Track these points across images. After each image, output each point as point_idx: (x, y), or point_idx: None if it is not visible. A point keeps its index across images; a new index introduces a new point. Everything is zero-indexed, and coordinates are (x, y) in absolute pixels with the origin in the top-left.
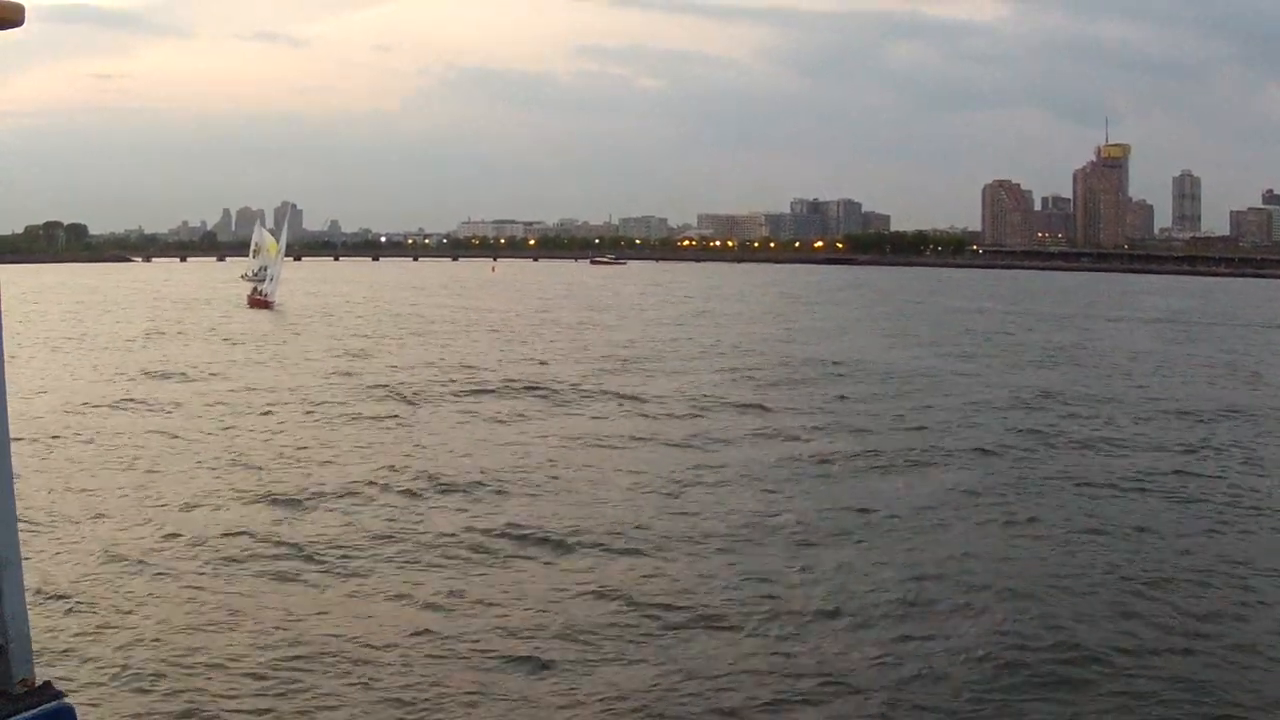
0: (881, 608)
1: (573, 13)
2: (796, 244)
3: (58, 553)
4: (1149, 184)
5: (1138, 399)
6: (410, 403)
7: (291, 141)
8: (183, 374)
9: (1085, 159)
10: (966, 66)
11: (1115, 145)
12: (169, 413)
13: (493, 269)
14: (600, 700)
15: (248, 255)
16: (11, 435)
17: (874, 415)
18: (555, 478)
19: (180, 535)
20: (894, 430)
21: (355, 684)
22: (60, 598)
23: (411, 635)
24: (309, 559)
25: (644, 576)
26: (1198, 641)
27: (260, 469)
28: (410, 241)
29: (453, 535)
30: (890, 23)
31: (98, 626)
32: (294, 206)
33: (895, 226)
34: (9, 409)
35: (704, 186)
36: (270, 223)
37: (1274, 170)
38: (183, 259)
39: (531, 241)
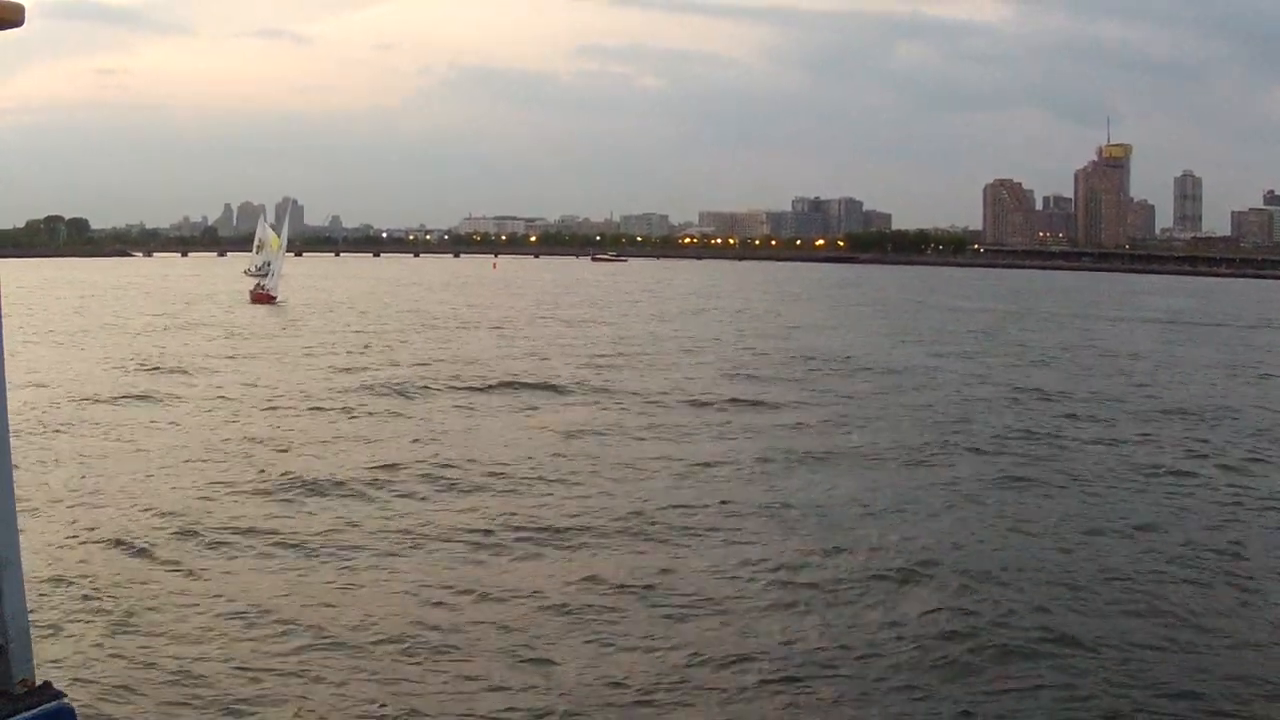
0: (872, 591)
1: (573, 12)
2: (798, 242)
3: (60, 545)
4: (1150, 184)
5: (1135, 397)
6: (410, 397)
7: (293, 138)
8: (184, 369)
9: (1086, 159)
10: (968, 66)
11: (1117, 145)
12: (171, 407)
13: (494, 266)
14: (600, 685)
15: (248, 251)
16: (13, 428)
17: (870, 408)
18: (556, 469)
19: (180, 529)
20: (887, 424)
21: (356, 677)
22: (59, 589)
23: (415, 625)
24: (309, 551)
25: (642, 564)
26: (1199, 635)
27: (262, 461)
28: (411, 238)
29: (455, 526)
30: (892, 22)
31: (94, 619)
32: (295, 202)
33: (896, 225)
34: (9, 409)
35: (705, 185)
36: (271, 218)
37: (1275, 171)
38: (184, 254)
39: (533, 238)
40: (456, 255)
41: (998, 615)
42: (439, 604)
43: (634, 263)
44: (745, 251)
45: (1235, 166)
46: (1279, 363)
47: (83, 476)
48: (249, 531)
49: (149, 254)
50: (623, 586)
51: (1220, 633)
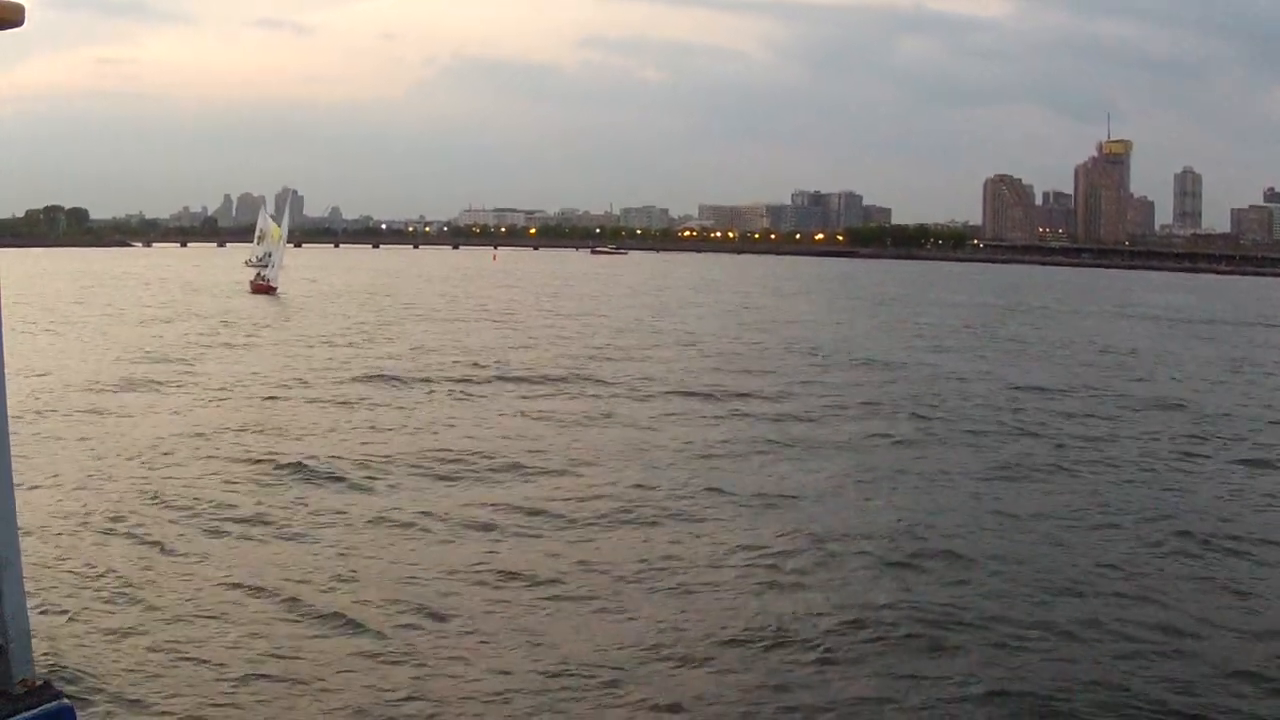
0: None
1: (577, 4)
2: (797, 236)
3: (59, 532)
4: (1150, 180)
5: (1122, 388)
6: (409, 386)
7: (294, 128)
8: (184, 359)
9: (1087, 155)
10: (970, 62)
11: (1117, 141)
12: (170, 395)
13: (494, 258)
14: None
15: (249, 241)
16: (16, 418)
17: (858, 397)
18: (551, 456)
19: (179, 522)
20: (874, 413)
21: (357, 657)
22: (58, 585)
23: (421, 611)
24: (310, 543)
25: (635, 545)
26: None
27: (261, 448)
28: (411, 229)
29: (457, 513)
30: (895, 17)
31: (94, 617)
32: (295, 193)
33: (896, 220)
34: (9, 409)
35: (706, 178)
36: (271, 209)
37: (1275, 168)
38: (183, 244)
39: (532, 231)
40: (456, 247)
41: (981, 595)
42: (438, 583)
43: (633, 255)
44: (744, 245)
45: (1235, 164)
46: (1264, 356)
47: (81, 465)
48: (247, 516)
49: (148, 244)
50: (615, 565)
51: (1212, 623)
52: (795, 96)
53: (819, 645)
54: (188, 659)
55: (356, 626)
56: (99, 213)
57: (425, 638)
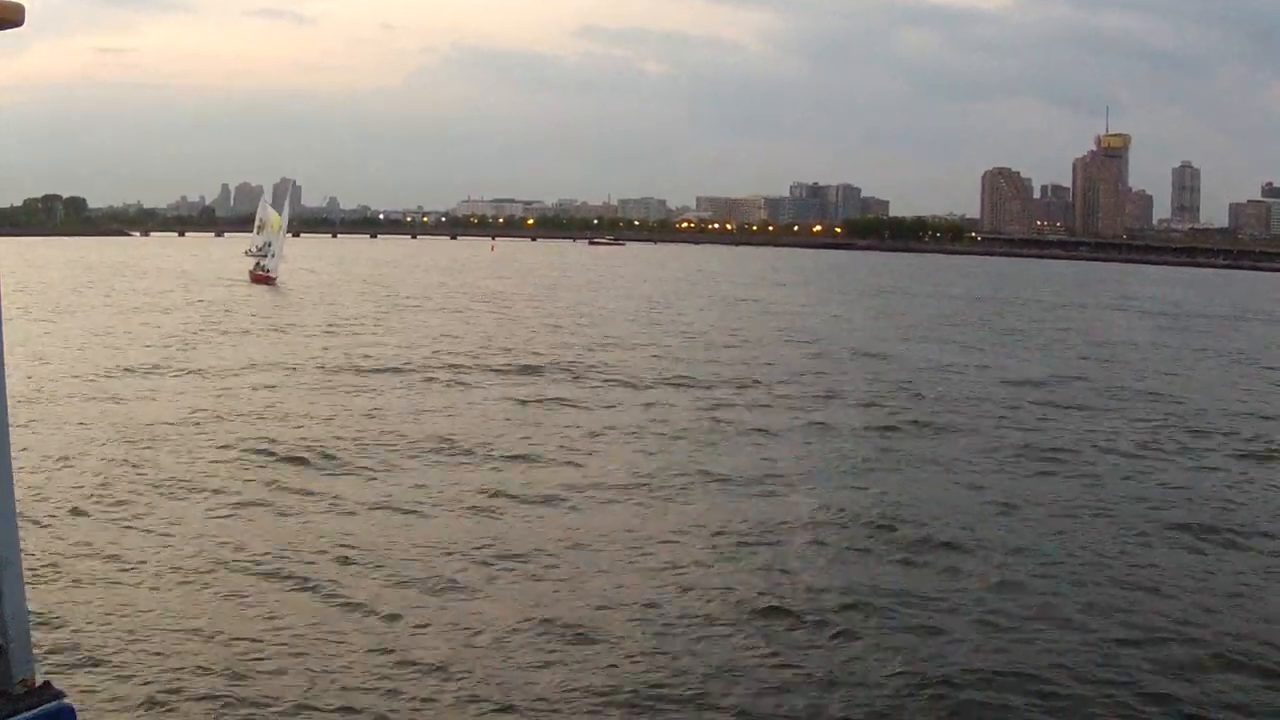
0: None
1: None
2: (795, 228)
3: (59, 522)
4: (1148, 175)
5: (1112, 380)
6: (405, 375)
7: (293, 118)
8: (182, 348)
9: (1085, 148)
10: (970, 55)
11: (1115, 135)
12: (167, 381)
13: (491, 248)
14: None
15: (246, 231)
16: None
17: (847, 385)
18: (542, 442)
19: (179, 515)
20: (861, 403)
21: (355, 633)
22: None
23: (415, 578)
24: (306, 535)
25: (630, 522)
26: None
27: (256, 435)
28: (409, 220)
29: (462, 501)
30: (895, 9)
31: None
32: (293, 183)
33: (894, 212)
34: (8, 409)
35: (704, 170)
36: (269, 199)
37: (1273, 163)
38: (181, 234)
39: (530, 221)
40: (454, 238)
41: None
42: (437, 557)
43: (631, 246)
44: (742, 237)
45: (1234, 159)
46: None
47: (83, 456)
48: (240, 494)
49: (146, 233)
50: (607, 535)
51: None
52: (794, 88)
53: (808, 617)
54: (177, 630)
55: (352, 601)
56: (97, 202)
57: (426, 603)
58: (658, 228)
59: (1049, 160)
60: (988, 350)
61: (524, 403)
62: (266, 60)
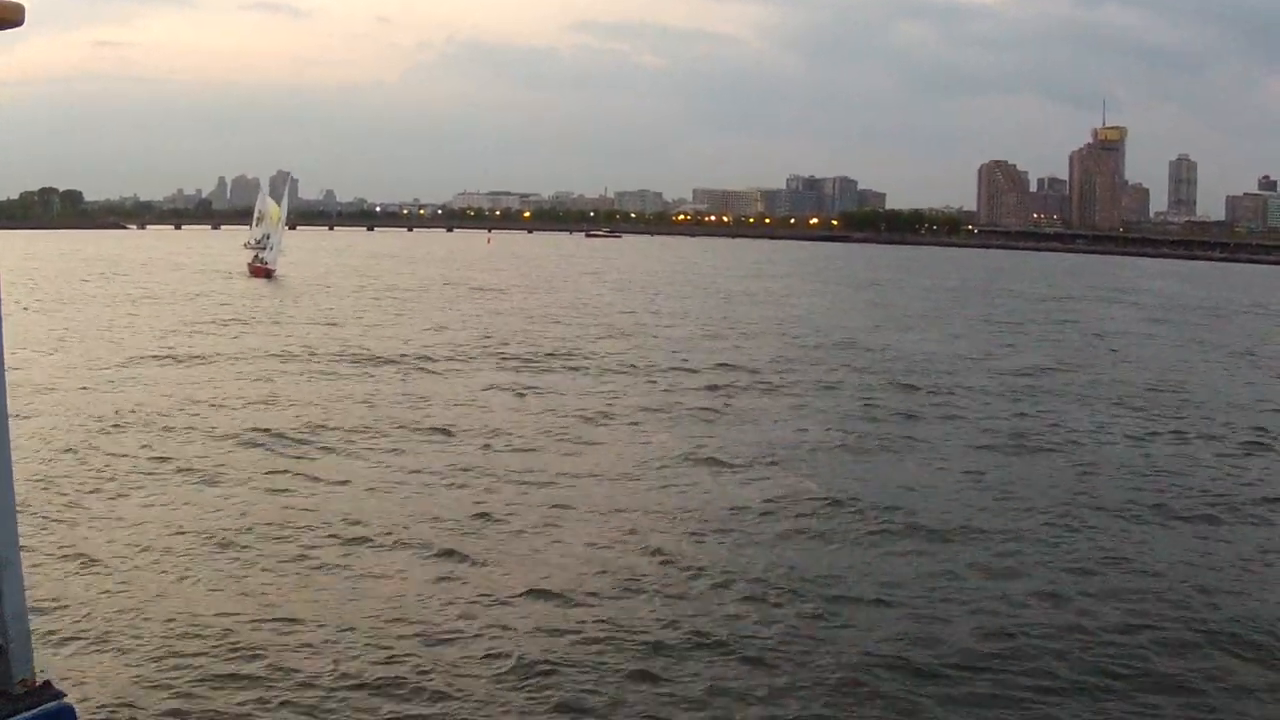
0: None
1: None
2: (791, 220)
3: (60, 518)
4: (1145, 168)
5: (1103, 374)
6: (410, 370)
7: (290, 111)
8: (181, 339)
9: (1082, 142)
10: (967, 49)
11: (1112, 128)
12: (167, 370)
13: (488, 241)
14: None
15: (243, 224)
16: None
17: (838, 376)
18: (536, 424)
19: (178, 510)
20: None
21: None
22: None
23: (416, 543)
24: (304, 530)
25: (622, 498)
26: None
27: (263, 425)
28: (405, 212)
29: (465, 488)
30: (892, 4)
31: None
32: (290, 176)
33: (891, 205)
34: (8, 409)
35: (701, 163)
36: (266, 192)
37: (1270, 156)
38: (177, 227)
39: (526, 214)
40: (450, 230)
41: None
42: (435, 530)
43: (627, 239)
44: (739, 229)
45: (1230, 152)
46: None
47: (82, 451)
48: (248, 508)
49: (142, 226)
50: (597, 510)
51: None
52: (791, 82)
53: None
54: (175, 597)
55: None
56: (93, 195)
57: (424, 569)
58: (654, 220)
59: (1045, 153)
60: (981, 340)
61: (516, 390)
62: (263, 54)
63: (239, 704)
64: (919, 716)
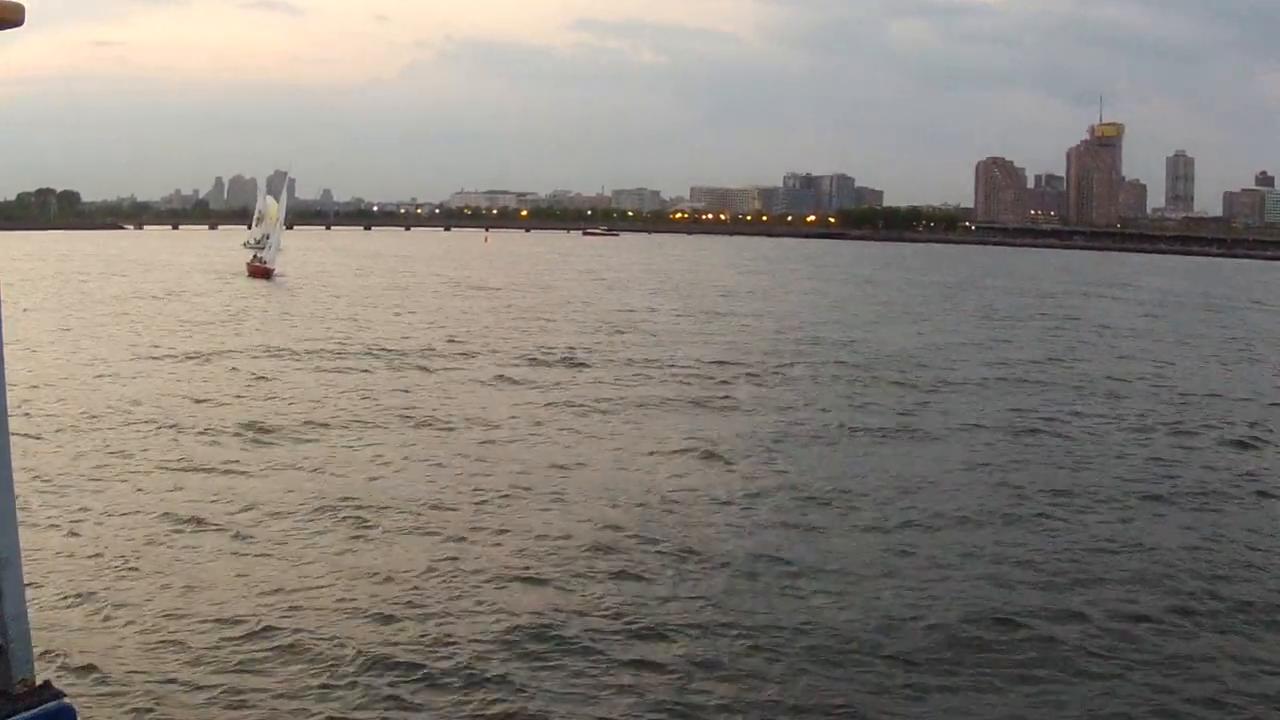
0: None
1: None
2: (789, 218)
3: (58, 517)
4: (1142, 164)
5: (1098, 369)
6: (408, 365)
7: (287, 111)
8: (185, 338)
9: (1079, 138)
10: (964, 45)
11: (1109, 124)
12: (167, 366)
13: (485, 240)
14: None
15: (240, 224)
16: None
17: (839, 371)
18: (525, 421)
19: (178, 507)
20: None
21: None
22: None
23: (415, 508)
24: (304, 531)
25: (614, 482)
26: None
27: (261, 418)
28: (403, 212)
29: (467, 484)
30: (890, 1)
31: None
32: (287, 176)
33: (888, 202)
34: (8, 408)
35: (698, 161)
36: (263, 191)
37: (1267, 152)
38: (175, 227)
39: (524, 213)
40: (447, 229)
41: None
42: (433, 511)
43: (625, 237)
44: (736, 227)
45: (1228, 148)
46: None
47: (83, 447)
48: (244, 469)
49: (139, 227)
50: (588, 492)
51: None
52: (789, 79)
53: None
54: (169, 573)
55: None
56: (90, 195)
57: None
58: (652, 218)
59: (1043, 150)
60: (978, 334)
61: (513, 384)
62: (260, 53)
63: (239, 691)
64: (915, 700)
